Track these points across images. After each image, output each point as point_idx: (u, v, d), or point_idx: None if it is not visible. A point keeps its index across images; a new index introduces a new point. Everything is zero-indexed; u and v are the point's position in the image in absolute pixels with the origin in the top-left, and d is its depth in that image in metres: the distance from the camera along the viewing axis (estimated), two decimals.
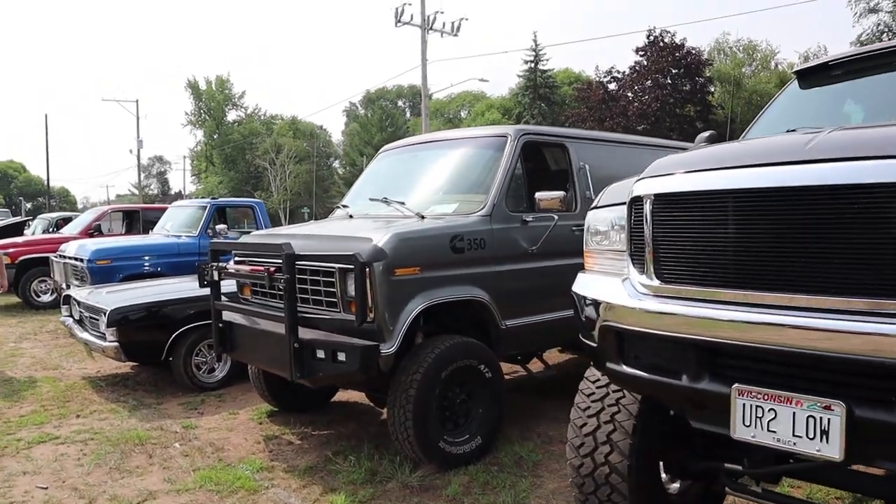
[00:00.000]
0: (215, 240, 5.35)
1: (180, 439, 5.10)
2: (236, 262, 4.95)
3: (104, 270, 8.86)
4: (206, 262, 5.02)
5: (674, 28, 45.81)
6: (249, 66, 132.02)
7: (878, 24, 52.22)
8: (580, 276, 3.00)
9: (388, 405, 4.28)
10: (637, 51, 37.04)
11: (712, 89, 37.95)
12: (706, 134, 4.06)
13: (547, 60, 49.44)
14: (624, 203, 2.75)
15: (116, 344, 6.02)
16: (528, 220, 4.87)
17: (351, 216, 5.34)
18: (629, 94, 37.81)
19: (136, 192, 59.60)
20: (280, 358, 4.34)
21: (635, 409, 3.03)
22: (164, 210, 13.39)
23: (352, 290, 4.10)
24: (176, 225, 10.14)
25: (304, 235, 4.55)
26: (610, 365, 2.67)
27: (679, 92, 36.58)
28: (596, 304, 2.73)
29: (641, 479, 3.03)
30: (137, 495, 4.09)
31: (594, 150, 5.58)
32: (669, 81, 36.90)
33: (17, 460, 4.71)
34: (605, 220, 2.88)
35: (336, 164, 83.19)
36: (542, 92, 48.92)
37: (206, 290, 6.55)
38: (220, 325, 4.99)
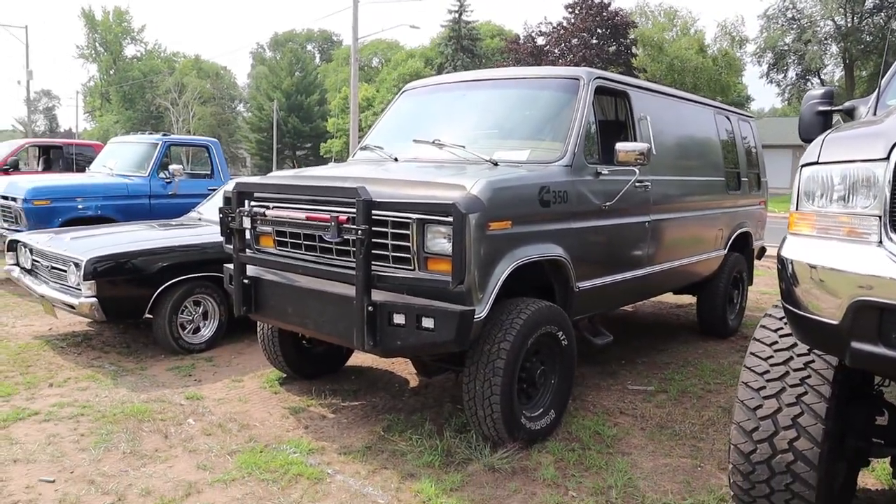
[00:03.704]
0: (241, 179, 4.52)
1: (192, 414, 4.37)
2: (268, 208, 4.15)
3: (42, 212, 7.68)
4: (229, 206, 4.23)
5: None
6: None
7: (784, 1, 54.63)
8: (793, 240, 2.55)
9: (467, 378, 3.74)
10: (566, 7, 36.81)
11: (636, 52, 38.36)
12: (820, 90, 3.70)
13: (471, 12, 48.49)
14: (870, 159, 2.31)
15: (94, 300, 5.12)
16: (602, 172, 4.38)
17: (396, 159, 4.65)
18: (556, 51, 37.69)
19: (21, 127, 54.46)
20: (342, 323, 3.69)
21: (827, 391, 2.66)
22: (91, 147, 12.04)
23: (435, 244, 3.49)
24: (121, 163, 8.94)
25: (364, 179, 3.85)
26: (858, 345, 2.25)
27: (605, 52, 36.77)
28: (842, 275, 2.29)
29: (830, 467, 2.70)
30: (175, 488, 3.38)
31: (654, 102, 5.14)
32: (595, 41, 37.02)
33: None
34: (833, 178, 2.42)
35: (241, 107, 79.81)
36: (464, 43, 48.11)
37: (192, 239, 5.85)
38: (246, 281, 4.24)
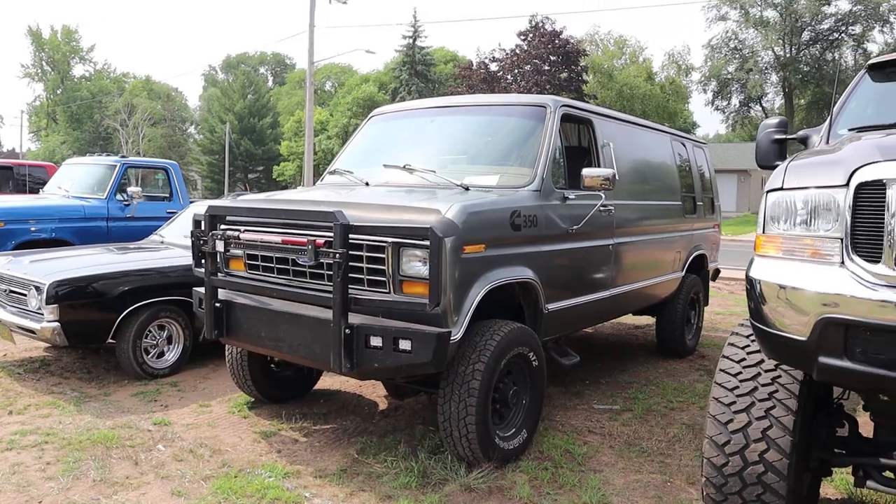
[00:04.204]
0: (215, 203, 4.50)
1: (161, 440, 4.30)
2: (240, 231, 4.14)
3: None
4: (202, 229, 4.22)
5: (554, 16, 47.03)
6: (99, 18, 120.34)
7: (727, 31, 56.88)
8: (760, 261, 2.70)
9: (442, 399, 3.79)
10: (519, 35, 37.60)
11: (586, 78, 39.35)
12: (775, 120, 3.91)
13: (425, 37, 49.08)
14: (831, 186, 2.48)
15: (57, 324, 5.01)
16: (569, 197, 4.52)
17: (367, 184, 4.71)
18: (508, 77, 38.37)
19: None
20: (317, 346, 3.71)
21: (794, 405, 2.81)
22: (43, 168, 11.79)
23: (410, 267, 3.55)
24: (77, 185, 8.76)
25: (339, 203, 3.89)
26: (825, 360, 2.40)
27: (556, 79, 37.57)
28: (807, 294, 2.44)
29: (798, 477, 2.84)
30: None
31: (616, 129, 5.33)
32: (547, 68, 37.83)
33: None
34: (796, 203, 2.59)
35: (192, 129, 78.89)
36: (419, 69, 48.54)
37: (156, 262, 5.78)
38: (217, 304, 4.22)
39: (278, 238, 3.84)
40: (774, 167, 3.90)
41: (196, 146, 66.57)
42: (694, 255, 6.80)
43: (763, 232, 2.73)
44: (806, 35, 53.79)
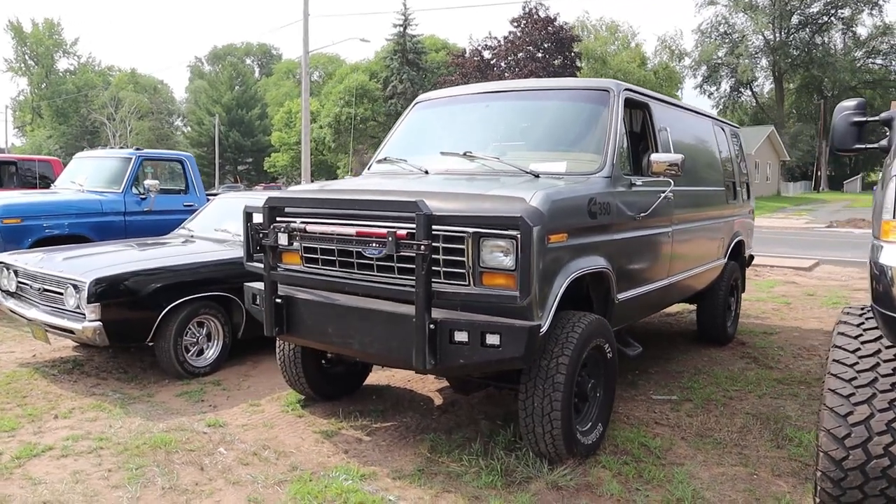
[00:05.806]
0: (274, 194, 4.31)
1: (221, 443, 4.14)
2: (307, 223, 3.94)
3: (13, 231, 7.22)
4: (260, 222, 4.04)
5: (547, 1, 46.83)
6: (82, 11, 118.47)
7: (717, 16, 56.94)
8: (891, 247, 2.57)
9: (524, 394, 3.65)
10: (512, 21, 37.36)
11: (580, 65, 39.19)
12: (853, 102, 3.74)
13: (416, 25, 48.65)
14: None
15: (98, 324, 4.81)
16: (636, 183, 4.38)
17: (426, 172, 4.54)
18: (502, 64, 38.16)
19: None
20: (394, 343, 3.55)
21: None
22: (48, 163, 11.51)
23: (492, 258, 3.39)
24: (92, 179, 8.50)
25: (413, 193, 3.72)
26: None
27: (550, 66, 37.38)
28: None
29: None
30: None
31: (670, 114, 5.19)
32: (541, 55, 37.63)
33: (18, 485, 3.55)
34: None
35: (179, 122, 78.15)
36: (410, 57, 48.09)
37: (197, 257, 5.61)
38: (278, 300, 4.04)
39: (351, 230, 3.66)
40: (853, 150, 3.77)
41: (184, 139, 65.89)
42: (735, 241, 6.69)
43: (894, 217, 2.61)
44: (795, 19, 53.95)
